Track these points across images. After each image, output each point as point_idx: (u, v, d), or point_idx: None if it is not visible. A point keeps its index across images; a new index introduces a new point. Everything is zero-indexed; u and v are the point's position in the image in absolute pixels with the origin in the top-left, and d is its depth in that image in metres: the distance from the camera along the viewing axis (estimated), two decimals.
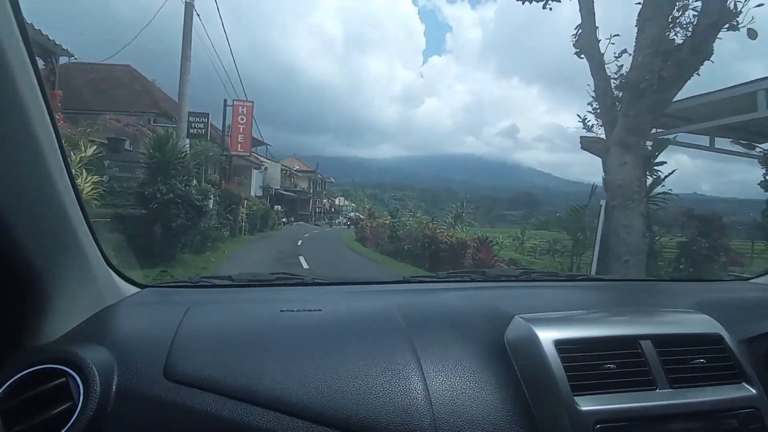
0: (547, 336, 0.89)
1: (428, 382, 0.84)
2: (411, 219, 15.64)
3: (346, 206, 63.31)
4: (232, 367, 0.85)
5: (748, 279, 1.67)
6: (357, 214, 55.82)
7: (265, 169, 31.10)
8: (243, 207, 19.43)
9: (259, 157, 32.09)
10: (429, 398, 0.82)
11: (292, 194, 39.57)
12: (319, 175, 52.88)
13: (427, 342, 0.94)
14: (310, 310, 1.07)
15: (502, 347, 0.94)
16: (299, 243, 17.78)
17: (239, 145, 17.84)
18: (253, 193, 26.49)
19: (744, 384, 0.93)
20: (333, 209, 59.44)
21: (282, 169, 37.30)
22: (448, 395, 0.83)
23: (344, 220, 41.42)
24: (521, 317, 0.97)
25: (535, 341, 0.89)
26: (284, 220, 31.24)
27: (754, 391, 0.92)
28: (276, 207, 30.31)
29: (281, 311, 1.06)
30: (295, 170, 45.11)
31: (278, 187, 33.54)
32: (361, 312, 1.12)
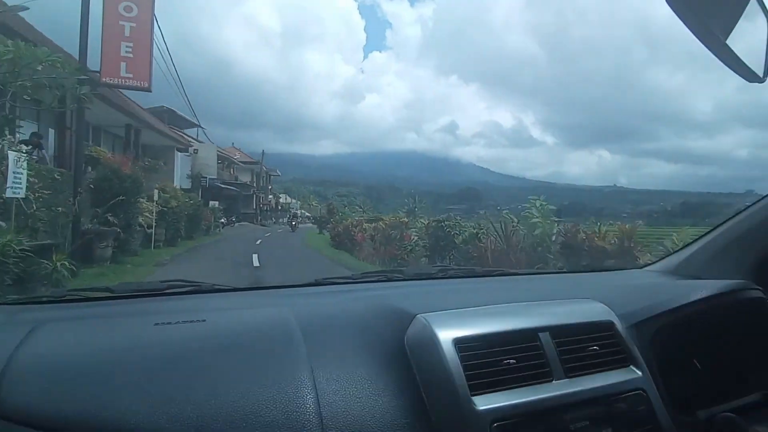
0: (447, 335, 0.87)
1: (319, 394, 0.79)
2: (533, 218, 8.10)
3: (291, 203, 58.57)
4: (77, 396, 0.74)
5: (643, 267, 1.71)
6: (303, 211, 51.71)
7: (195, 152, 22.83)
8: (153, 202, 11.59)
9: (186, 136, 23.76)
10: (319, 412, 0.76)
11: (233, 188, 31.65)
12: (265, 168, 44.73)
13: (322, 350, 0.88)
14: (191, 322, 0.95)
15: (403, 349, 0.90)
16: (256, 263, 10.15)
17: (124, 66, 8.40)
18: (177, 184, 18.83)
19: (632, 367, 0.97)
20: (280, 207, 52.44)
21: (220, 156, 29.01)
22: (341, 406, 0.78)
23: (289, 220, 33.30)
24: (423, 317, 0.93)
25: (434, 341, 0.86)
26: (223, 220, 24.07)
27: (640, 373, 0.96)
28: (212, 204, 22.45)
29: (155, 324, 0.93)
30: (236, 159, 36.73)
31: (214, 177, 25.25)
32: (252, 321, 1.01)
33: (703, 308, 1.10)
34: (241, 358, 0.84)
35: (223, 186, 28.64)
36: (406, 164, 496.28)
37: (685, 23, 0.49)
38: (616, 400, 0.89)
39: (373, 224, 13.36)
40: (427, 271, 1.66)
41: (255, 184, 41.13)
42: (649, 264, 1.65)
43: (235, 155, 39.00)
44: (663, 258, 1.62)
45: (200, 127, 29.47)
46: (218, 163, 28.68)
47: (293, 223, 30.70)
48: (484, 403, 0.80)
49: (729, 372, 1.09)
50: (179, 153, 20.93)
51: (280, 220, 45.96)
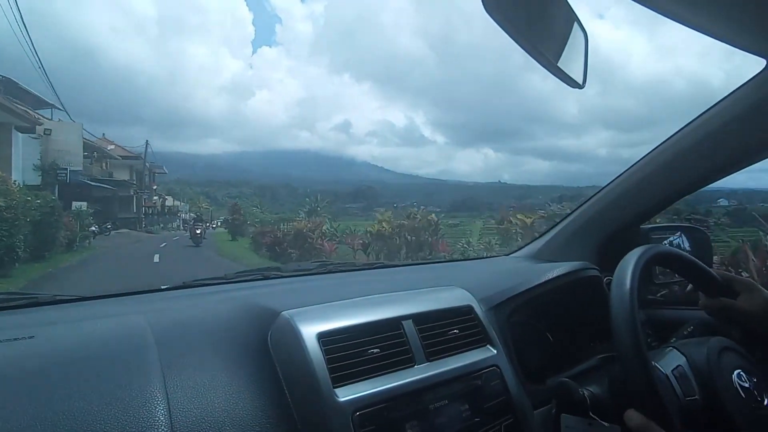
0: (310, 330, 0.86)
1: (171, 405, 0.72)
2: None
3: (180, 206, 53.04)
4: None
5: (510, 254, 1.81)
6: (192, 214, 46.68)
7: (47, 133, 16.33)
8: None
9: (33, 112, 16.99)
10: (170, 424, 0.70)
11: (107, 186, 24.74)
12: (148, 163, 37.20)
13: (178, 357, 0.82)
14: (14, 339, 0.82)
15: (266, 348, 0.88)
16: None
17: None
18: (17, 177, 12.81)
19: (488, 346, 1.03)
20: (167, 210, 45.13)
21: (88, 146, 22.10)
22: (196, 414, 0.73)
23: (191, 226, 26.65)
24: (287, 313, 0.91)
25: (297, 337, 0.85)
26: (94, 228, 18.09)
27: (494, 351, 1.02)
28: (76, 205, 16.31)
29: None
30: (110, 150, 29.35)
31: (78, 170, 18.64)
32: (96, 333, 0.90)
33: (550, 288, 1.22)
34: (77, 375, 0.74)
35: (93, 183, 21.92)
36: (300, 163, 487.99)
37: (515, 41, 0.56)
38: (472, 378, 0.95)
39: (375, 226, 8.59)
40: (305, 267, 1.61)
41: (137, 183, 33.76)
42: (515, 251, 1.78)
43: (109, 147, 31.42)
44: (526, 245, 1.74)
45: (58, 108, 22.27)
46: (86, 155, 21.85)
47: (197, 231, 21.47)
48: (346, 393, 0.80)
49: (575, 342, 1.23)
50: (20, 134, 14.52)
51: (169, 226, 39.07)
